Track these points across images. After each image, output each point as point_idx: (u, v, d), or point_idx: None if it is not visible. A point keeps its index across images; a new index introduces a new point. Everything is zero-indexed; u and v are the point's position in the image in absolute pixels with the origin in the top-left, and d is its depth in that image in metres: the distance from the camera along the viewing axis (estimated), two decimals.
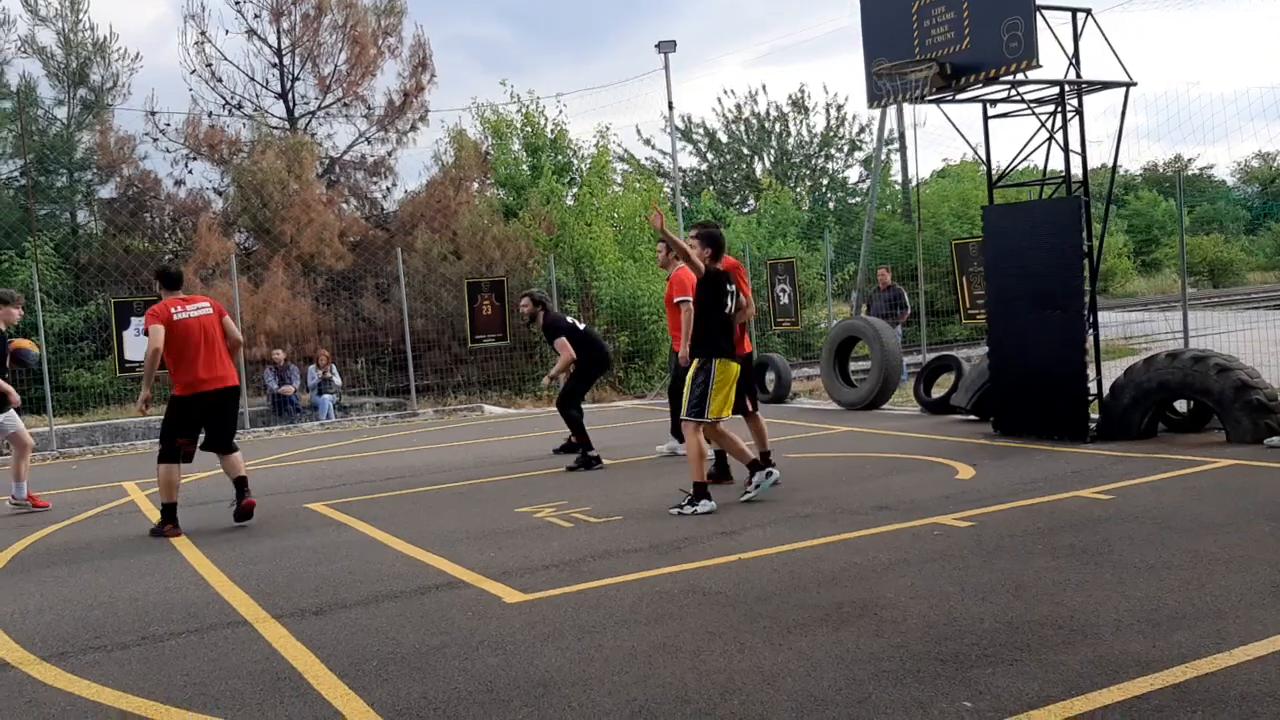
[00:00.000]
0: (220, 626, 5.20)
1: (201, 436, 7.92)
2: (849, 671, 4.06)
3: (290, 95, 24.15)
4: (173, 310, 7.68)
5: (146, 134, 22.90)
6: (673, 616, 4.89)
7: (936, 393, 12.42)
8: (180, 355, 7.67)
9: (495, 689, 4.10)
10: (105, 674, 4.57)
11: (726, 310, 7.35)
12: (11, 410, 9.06)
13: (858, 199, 37.72)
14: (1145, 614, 4.53)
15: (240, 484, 7.88)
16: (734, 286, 7.45)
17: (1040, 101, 9.63)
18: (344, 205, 24.12)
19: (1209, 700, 3.62)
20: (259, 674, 4.46)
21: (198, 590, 5.97)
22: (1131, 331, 20.21)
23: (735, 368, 7.41)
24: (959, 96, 9.81)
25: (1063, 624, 4.46)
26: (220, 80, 23.57)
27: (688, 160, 41.39)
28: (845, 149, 40.15)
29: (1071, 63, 9.25)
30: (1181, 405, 9.51)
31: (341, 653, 4.65)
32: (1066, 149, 9.46)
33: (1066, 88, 9.34)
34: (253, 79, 23.97)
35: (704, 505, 7.16)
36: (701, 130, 40.96)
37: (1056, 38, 9.10)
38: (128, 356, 15.00)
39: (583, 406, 9.92)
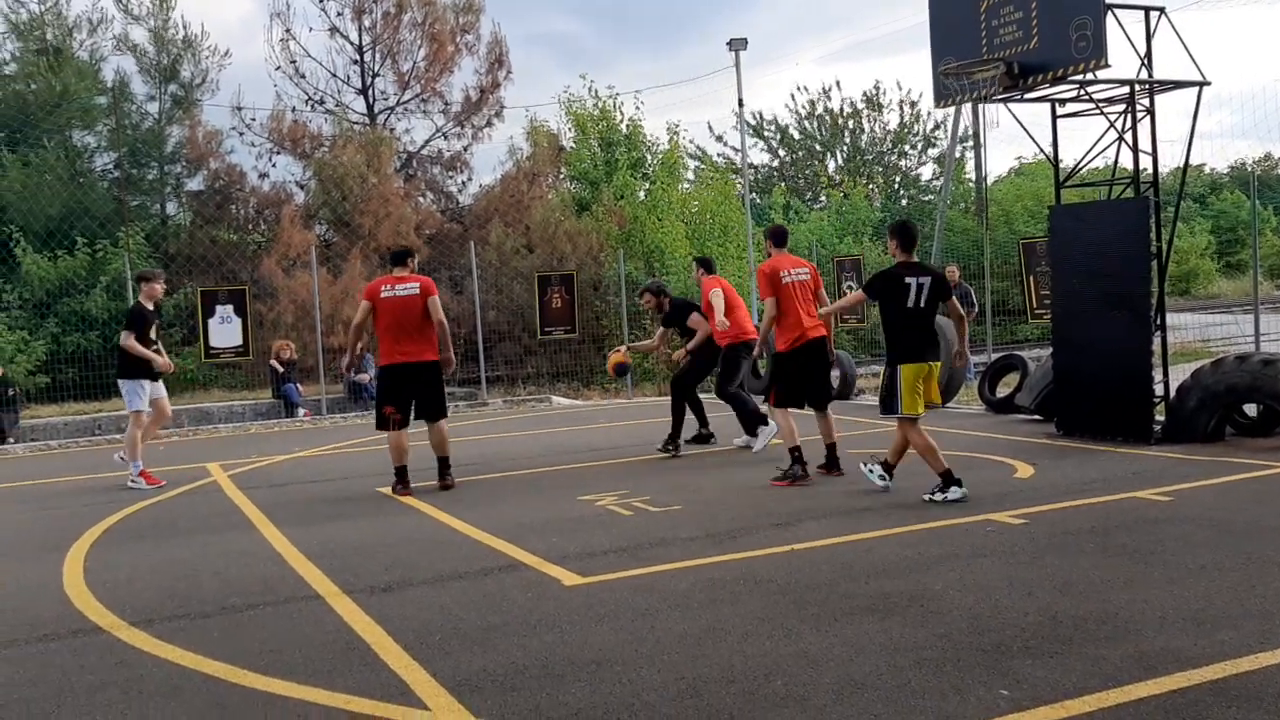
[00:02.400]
0: (295, 600, 5.50)
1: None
2: (891, 658, 4.19)
3: (370, 91, 24.74)
4: (382, 289, 8.36)
5: (233, 128, 23.68)
6: (724, 602, 5.05)
7: (1002, 392, 12.36)
8: (383, 329, 8.35)
9: (551, 664, 4.31)
10: (188, 639, 4.88)
11: (909, 304, 7.21)
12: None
13: (930, 196, 37.31)
14: (1191, 613, 4.58)
15: (442, 464, 8.66)
16: (914, 279, 7.20)
17: (1110, 101, 9.54)
18: (420, 199, 24.66)
19: (1245, 696, 3.67)
20: (330, 644, 4.73)
21: (274, 566, 6.29)
22: (1209, 334, 19.77)
23: (924, 368, 7.29)
24: (1027, 96, 9.78)
25: (1106, 620, 4.52)
26: (303, 76, 24.27)
27: (759, 157, 41.31)
28: (919, 146, 39.66)
29: (1143, 62, 9.15)
30: (1252, 409, 9.39)
31: (408, 627, 4.90)
32: (1136, 149, 9.37)
33: (1137, 87, 9.25)
34: (334, 75, 24.65)
35: (954, 492, 7.16)
36: (774, 127, 40.77)
37: (1128, 37, 9.02)
38: (213, 343, 15.58)
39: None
